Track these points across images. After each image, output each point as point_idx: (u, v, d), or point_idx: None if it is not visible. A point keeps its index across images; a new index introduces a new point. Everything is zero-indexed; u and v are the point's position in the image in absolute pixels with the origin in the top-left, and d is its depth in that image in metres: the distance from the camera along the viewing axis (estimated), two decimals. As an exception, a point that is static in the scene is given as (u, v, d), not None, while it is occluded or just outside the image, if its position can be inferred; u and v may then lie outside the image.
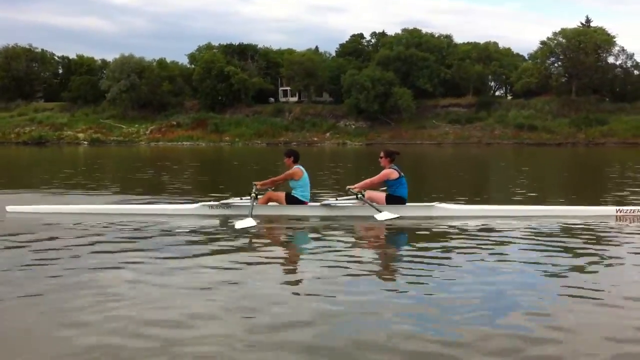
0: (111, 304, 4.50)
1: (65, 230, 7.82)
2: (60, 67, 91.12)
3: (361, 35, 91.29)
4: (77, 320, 4.14)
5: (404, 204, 8.89)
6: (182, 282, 5.12)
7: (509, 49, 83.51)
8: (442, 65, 71.91)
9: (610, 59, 68.88)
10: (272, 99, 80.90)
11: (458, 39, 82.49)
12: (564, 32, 69.25)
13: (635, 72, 75.00)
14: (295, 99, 78.53)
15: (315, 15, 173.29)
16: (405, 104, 67.40)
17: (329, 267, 5.76)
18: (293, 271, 5.93)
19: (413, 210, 8.80)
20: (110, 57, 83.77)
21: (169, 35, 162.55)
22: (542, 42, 70.09)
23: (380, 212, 8.44)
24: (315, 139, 67.87)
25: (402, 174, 8.95)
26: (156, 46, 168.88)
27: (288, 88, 78.89)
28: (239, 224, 7.80)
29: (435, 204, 8.99)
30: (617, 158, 33.81)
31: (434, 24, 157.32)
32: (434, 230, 7.89)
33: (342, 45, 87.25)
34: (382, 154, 9.07)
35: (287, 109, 74.70)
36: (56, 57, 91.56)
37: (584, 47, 66.36)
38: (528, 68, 70.66)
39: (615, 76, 66.08)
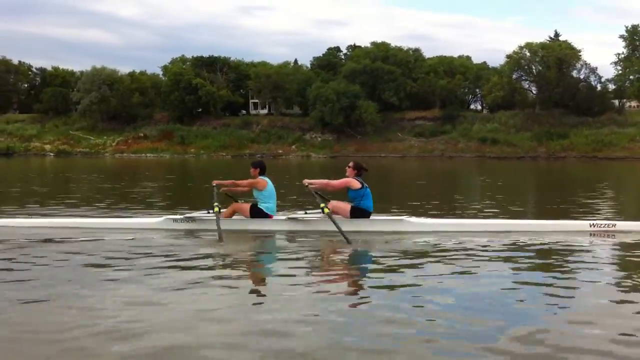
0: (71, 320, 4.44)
1: (18, 246, 7.62)
2: (38, 78, 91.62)
3: (338, 49, 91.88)
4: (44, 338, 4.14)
5: (369, 216, 8.63)
6: (145, 298, 5.09)
7: (484, 63, 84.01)
8: (409, 79, 72.15)
9: (574, 73, 69.05)
10: (244, 112, 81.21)
11: (459, 52, 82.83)
12: (529, 46, 69.61)
13: (608, 86, 75.73)
14: (265, 111, 78.80)
15: (319, 29, 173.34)
16: (369, 117, 67.59)
17: (295, 283, 5.68)
18: (257, 289, 5.72)
19: (381, 225, 8.55)
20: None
21: (172, 48, 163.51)
22: (508, 56, 70.38)
23: (349, 242, 7.75)
24: (281, 151, 68.00)
25: (366, 185, 8.64)
26: (160, 59, 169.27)
27: (258, 101, 79.23)
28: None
29: (404, 217, 8.80)
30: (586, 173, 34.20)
31: (437, 37, 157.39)
32: (402, 245, 7.71)
33: (316, 59, 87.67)
34: (350, 164, 8.80)
35: (255, 121, 74.96)
36: (34, 69, 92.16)
37: (547, 60, 66.70)
38: (497, 82, 70.87)
39: (578, 90, 66.26)
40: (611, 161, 54.42)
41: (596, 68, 68.97)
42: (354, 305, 4.94)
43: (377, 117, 68.22)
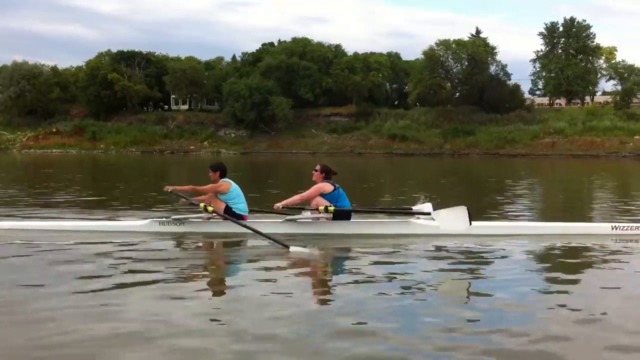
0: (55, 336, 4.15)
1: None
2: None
3: (272, 44, 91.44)
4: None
5: (350, 215, 8.34)
6: (135, 306, 4.84)
7: (416, 60, 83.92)
8: (326, 75, 71.94)
9: (487, 71, 69.30)
10: (166, 107, 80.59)
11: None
12: (445, 43, 69.74)
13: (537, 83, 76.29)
14: (186, 107, 78.25)
15: (301, 26, 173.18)
16: (282, 113, 67.30)
17: (288, 287, 5.45)
18: (251, 293, 5.38)
19: (388, 227, 8.25)
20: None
21: (153, 44, 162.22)
22: (424, 52, 70.45)
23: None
24: (192, 147, 67.54)
25: (337, 185, 8.33)
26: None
27: (178, 96, 78.68)
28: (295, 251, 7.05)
29: (411, 219, 8.41)
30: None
31: (420, 34, 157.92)
32: (412, 247, 7.48)
33: (246, 54, 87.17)
34: (317, 168, 8.41)
35: (171, 117, 74.40)
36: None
37: (458, 58, 66.97)
38: (419, 79, 70.69)
39: (488, 87, 66.49)
40: (511, 158, 54.86)
41: (506, 66, 69.46)
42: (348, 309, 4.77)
43: (290, 113, 67.92)
